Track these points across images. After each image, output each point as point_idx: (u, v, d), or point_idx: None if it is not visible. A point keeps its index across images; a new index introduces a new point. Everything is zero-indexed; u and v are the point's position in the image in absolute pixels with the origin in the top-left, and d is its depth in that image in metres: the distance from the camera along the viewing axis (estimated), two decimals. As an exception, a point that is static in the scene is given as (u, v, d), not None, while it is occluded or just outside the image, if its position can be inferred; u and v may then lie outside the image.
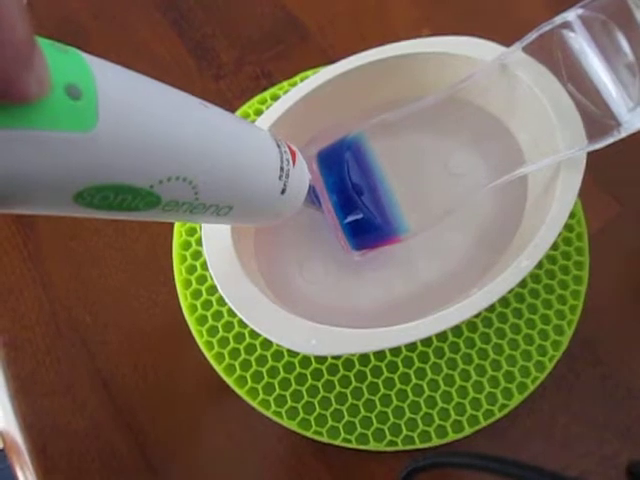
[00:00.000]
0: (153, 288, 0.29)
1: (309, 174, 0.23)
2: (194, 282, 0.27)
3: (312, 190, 0.24)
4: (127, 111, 0.13)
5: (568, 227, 0.28)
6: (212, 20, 0.35)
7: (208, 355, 0.26)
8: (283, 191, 0.20)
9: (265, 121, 0.25)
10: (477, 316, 0.26)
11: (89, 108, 0.12)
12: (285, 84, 0.32)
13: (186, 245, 0.28)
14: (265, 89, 0.32)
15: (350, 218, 0.24)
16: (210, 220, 0.19)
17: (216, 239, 0.23)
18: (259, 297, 0.22)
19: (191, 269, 0.28)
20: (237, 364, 0.26)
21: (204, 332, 0.27)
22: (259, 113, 0.30)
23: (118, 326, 0.28)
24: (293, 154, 0.21)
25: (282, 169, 0.20)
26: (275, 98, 0.31)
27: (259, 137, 0.19)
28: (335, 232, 0.25)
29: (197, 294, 0.27)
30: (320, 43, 0.35)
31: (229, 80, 0.33)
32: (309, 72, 0.32)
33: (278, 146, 0.20)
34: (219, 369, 0.26)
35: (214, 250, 0.23)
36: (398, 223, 0.24)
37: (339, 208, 0.25)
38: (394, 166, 0.25)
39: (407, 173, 0.26)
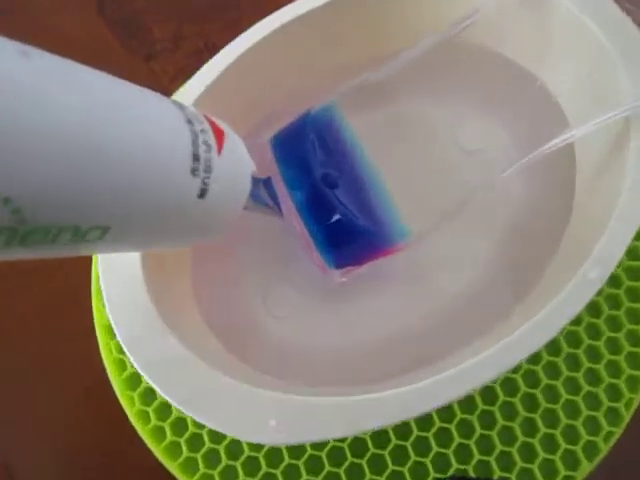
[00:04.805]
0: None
1: (253, 164, 0.16)
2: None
3: (266, 186, 0.17)
4: None
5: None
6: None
7: (142, 432, 0.19)
8: (202, 193, 0.13)
9: (188, 94, 0.18)
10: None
11: None
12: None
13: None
14: (209, 65, 0.26)
15: (323, 222, 0.17)
16: (79, 251, 0.11)
17: (120, 270, 0.15)
18: (187, 358, 0.14)
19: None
20: (182, 441, 0.19)
21: (135, 398, 0.20)
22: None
23: (29, 402, 0.21)
24: (219, 134, 0.14)
25: (197, 159, 0.13)
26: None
27: (145, 103, 0.12)
28: (304, 245, 0.18)
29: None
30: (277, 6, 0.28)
31: (163, 59, 0.27)
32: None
33: (189, 121, 0.13)
34: (157, 451, 0.19)
35: (115, 288, 0.15)
36: (392, 225, 0.18)
37: (306, 210, 0.18)
38: (381, 146, 0.19)
39: (401, 155, 0.20)
